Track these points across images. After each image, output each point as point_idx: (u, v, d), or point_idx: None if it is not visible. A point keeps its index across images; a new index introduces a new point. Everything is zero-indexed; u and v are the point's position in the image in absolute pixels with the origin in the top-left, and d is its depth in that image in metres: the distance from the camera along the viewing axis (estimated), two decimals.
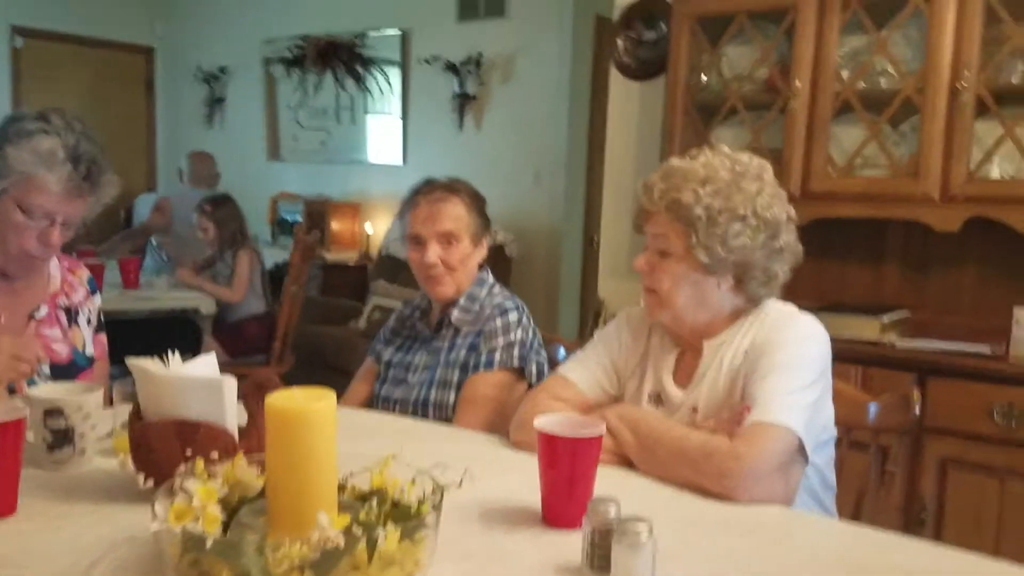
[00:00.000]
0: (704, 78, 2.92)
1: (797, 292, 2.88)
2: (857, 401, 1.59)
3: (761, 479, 1.23)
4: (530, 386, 1.76)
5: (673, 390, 1.47)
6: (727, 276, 1.39)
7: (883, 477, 2.29)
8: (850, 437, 1.59)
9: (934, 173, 2.39)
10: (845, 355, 2.40)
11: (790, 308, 1.46)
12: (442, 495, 0.91)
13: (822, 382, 1.37)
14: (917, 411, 1.53)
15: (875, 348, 2.42)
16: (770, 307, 1.45)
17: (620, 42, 3.30)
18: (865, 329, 2.47)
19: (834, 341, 2.42)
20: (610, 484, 1.23)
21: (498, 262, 4.80)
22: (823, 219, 2.63)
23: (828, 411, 1.42)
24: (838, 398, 1.53)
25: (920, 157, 2.41)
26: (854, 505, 1.59)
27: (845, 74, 2.58)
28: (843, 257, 2.89)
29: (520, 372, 1.80)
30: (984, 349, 2.30)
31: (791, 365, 1.33)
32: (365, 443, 1.09)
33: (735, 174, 1.38)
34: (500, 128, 5.23)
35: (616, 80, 3.38)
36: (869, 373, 2.40)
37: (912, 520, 2.35)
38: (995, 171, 2.38)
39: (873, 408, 1.56)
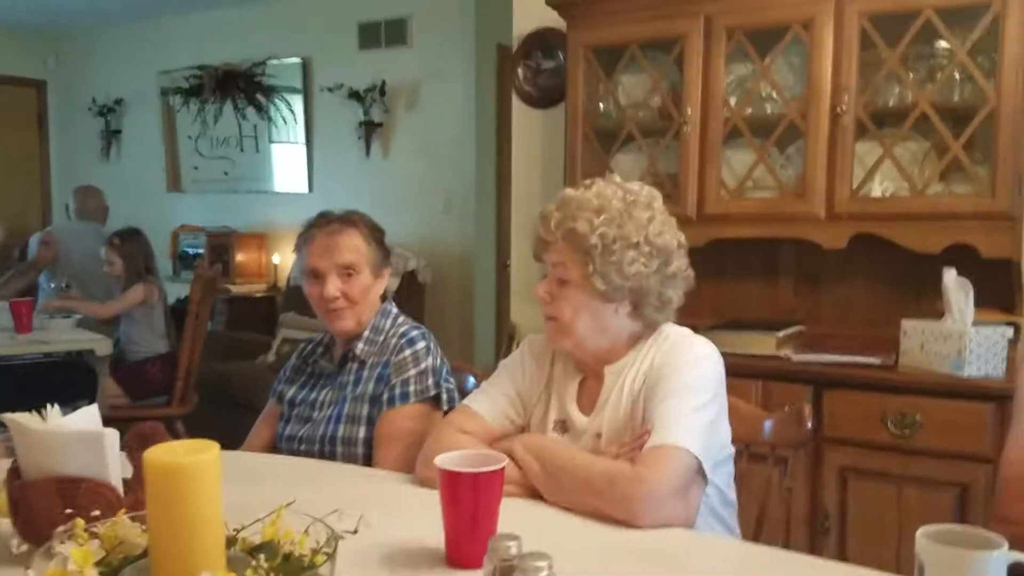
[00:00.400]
0: (602, 105, 2.98)
1: (699, 311, 2.99)
2: (754, 418, 1.64)
3: (663, 502, 1.24)
4: (446, 413, 1.75)
5: (577, 416, 1.48)
6: (624, 303, 1.42)
7: (784, 491, 2.39)
8: (749, 452, 1.63)
9: (819, 193, 2.50)
10: (745, 370, 2.49)
11: (686, 331, 1.49)
12: (336, 544, 0.89)
13: (718, 402, 1.40)
14: (810, 424, 1.58)
15: (773, 362, 2.49)
16: (668, 331, 1.48)
17: (520, 71, 3.34)
18: (762, 345, 2.55)
19: (734, 357, 2.51)
20: (517, 517, 1.22)
21: (411, 288, 4.78)
22: (720, 240, 2.72)
23: (725, 430, 1.46)
24: (736, 415, 1.57)
25: (806, 178, 2.52)
26: (756, 519, 1.63)
27: (733, 100, 2.68)
28: (740, 276, 2.98)
29: (436, 400, 1.78)
30: (875, 360, 2.39)
31: (688, 387, 1.36)
32: (262, 491, 1.07)
33: (627, 203, 1.41)
34: (408, 155, 5.22)
35: (518, 108, 3.42)
36: (769, 387, 2.47)
37: (817, 530, 2.43)
38: (876, 189, 2.50)
39: (768, 424, 1.61)
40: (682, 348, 1.43)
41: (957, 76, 2.35)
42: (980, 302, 2.27)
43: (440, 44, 5.01)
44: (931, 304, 2.34)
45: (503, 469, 1.12)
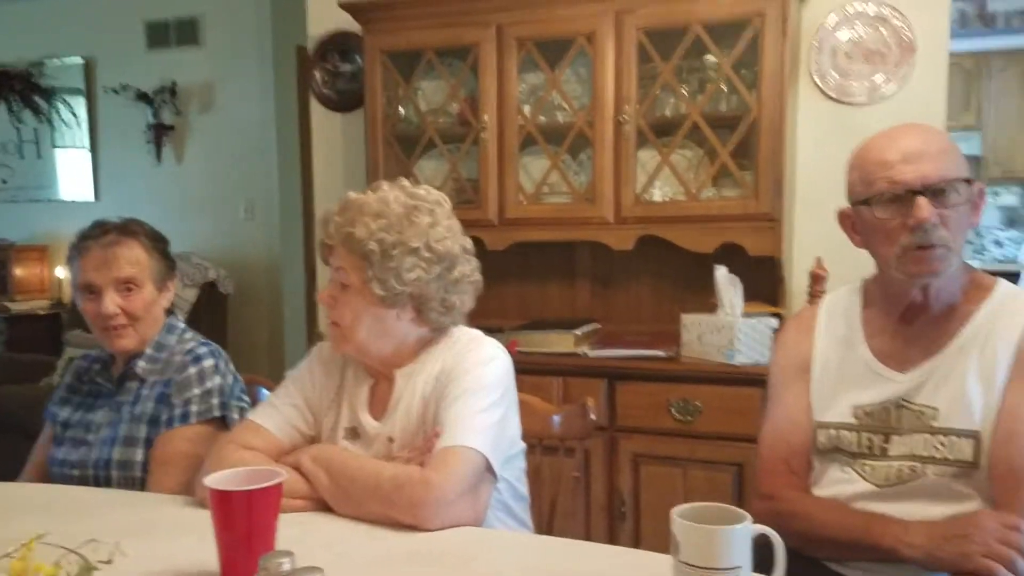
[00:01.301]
0: (402, 111, 2.99)
1: (505, 313, 3.08)
2: (544, 413, 1.70)
3: (451, 504, 1.26)
4: None
5: (369, 422, 1.47)
6: (406, 308, 1.42)
7: (581, 479, 2.50)
8: (542, 446, 1.70)
9: (608, 198, 2.64)
10: (547, 368, 2.59)
11: (476, 334, 1.52)
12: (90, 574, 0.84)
13: (507, 400, 1.44)
14: (593, 416, 1.67)
15: (572, 359, 2.60)
16: (458, 334, 1.50)
17: (318, 74, 3.28)
18: (562, 343, 2.66)
19: (537, 355, 2.62)
20: (301, 532, 1.20)
21: (212, 300, 4.55)
22: (522, 243, 2.82)
23: (515, 426, 1.50)
24: (528, 411, 1.63)
25: (595, 184, 2.65)
26: (549, 510, 1.70)
27: (527, 109, 2.77)
28: (542, 278, 3.09)
29: (222, 421, 1.70)
30: (661, 352, 2.55)
31: (476, 388, 1.39)
32: (17, 523, 0.98)
33: (408, 208, 1.41)
34: (204, 159, 4.97)
35: (318, 112, 3.36)
36: (568, 382, 2.58)
37: (614, 515, 2.56)
38: (657, 194, 2.67)
39: (556, 419, 1.68)
40: (471, 350, 1.45)
41: (724, 88, 2.56)
42: (748, 296, 2.49)
43: (235, 44, 4.81)
44: (708, 299, 2.53)
45: (279, 485, 1.10)
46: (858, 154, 1.36)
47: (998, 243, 5.51)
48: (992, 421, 1.25)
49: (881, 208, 1.29)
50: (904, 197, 1.26)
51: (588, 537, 2.56)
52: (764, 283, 2.63)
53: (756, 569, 0.98)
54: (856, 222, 1.36)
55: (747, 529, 0.94)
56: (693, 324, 2.54)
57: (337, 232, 1.40)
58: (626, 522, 2.55)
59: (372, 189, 1.46)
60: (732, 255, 2.53)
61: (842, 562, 1.30)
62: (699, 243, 2.58)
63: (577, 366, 2.58)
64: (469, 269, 1.48)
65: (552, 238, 2.79)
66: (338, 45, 3.24)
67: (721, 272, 2.46)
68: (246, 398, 1.78)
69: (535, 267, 3.08)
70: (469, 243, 1.50)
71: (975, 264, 4.34)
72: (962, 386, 1.27)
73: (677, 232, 2.61)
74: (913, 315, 1.36)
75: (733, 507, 0.98)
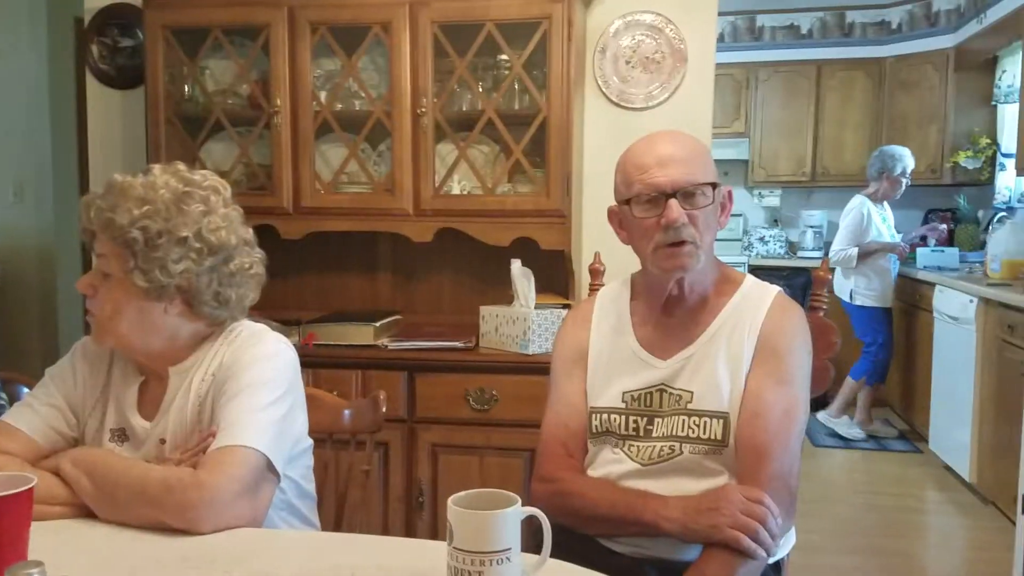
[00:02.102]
0: (187, 90, 2.83)
1: (305, 304, 3.00)
2: (335, 407, 1.68)
3: (227, 506, 1.21)
4: None
5: (138, 422, 1.38)
6: (175, 302, 1.34)
7: (379, 473, 2.49)
8: (333, 440, 1.67)
9: (407, 190, 2.64)
10: (347, 360, 2.56)
11: (258, 328, 1.46)
12: None
13: (291, 396, 1.39)
14: (384, 408, 1.66)
15: (372, 351, 2.58)
16: (239, 328, 1.44)
17: (95, 48, 3.03)
18: (362, 335, 2.63)
19: (337, 348, 2.57)
20: (58, 540, 1.12)
21: None
22: (321, 233, 2.75)
23: (302, 422, 1.46)
24: (318, 406, 1.60)
25: (394, 175, 2.64)
26: (338, 505, 1.68)
27: (323, 95, 2.71)
28: (343, 268, 3.04)
29: None
30: (459, 344, 2.59)
31: (257, 384, 1.33)
32: None
33: (179, 194, 1.32)
34: None
35: (94, 88, 3.10)
36: (368, 375, 2.56)
37: (412, 505, 2.57)
38: (456, 188, 2.71)
39: (347, 412, 1.67)
40: (251, 345, 1.39)
41: (516, 87, 2.63)
42: (541, 288, 2.59)
43: (3, 12, 4.35)
44: (506, 291, 2.60)
45: (30, 491, 1.01)
46: (622, 158, 1.45)
47: (763, 240, 6.05)
48: (738, 403, 1.37)
49: (639, 208, 1.39)
50: (658, 199, 1.37)
51: (386, 529, 2.59)
52: (556, 276, 2.74)
53: (537, 549, 1.03)
54: (621, 220, 1.46)
55: (516, 512, 0.98)
56: (491, 316, 2.60)
57: (98, 217, 1.30)
58: (424, 512, 2.57)
59: (144, 172, 1.37)
60: (527, 249, 2.61)
61: (612, 538, 1.39)
62: (496, 237, 2.64)
63: (377, 358, 2.57)
64: (249, 261, 1.41)
65: (351, 228, 2.75)
66: (117, 18, 3.01)
67: (516, 265, 2.53)
68: (3, 394, 1.63)
69: (335, 258, 3.03)
70: (249, 234, 1.44)
71: (744, 259, 4.77)
72: (713, 372, 1.39)
73: (475, 226, 2.65)
74: (672, 307, 1.47)
75: (506, 492, 1.01)
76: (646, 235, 1.39)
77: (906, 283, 4.78)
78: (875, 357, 4.65)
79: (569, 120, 2.53)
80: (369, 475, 1.69)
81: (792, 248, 6.01)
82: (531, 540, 1.06)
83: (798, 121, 5.78)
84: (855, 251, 4.54)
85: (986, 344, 3.66)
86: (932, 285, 4.37)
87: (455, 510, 0.97)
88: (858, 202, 4.61)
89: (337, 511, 1.67)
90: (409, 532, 2.56)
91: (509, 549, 0.96)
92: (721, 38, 5.79)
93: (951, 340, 4.06)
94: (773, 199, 6.07)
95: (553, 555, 1.12)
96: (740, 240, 6.09)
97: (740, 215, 6.14)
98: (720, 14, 5.51)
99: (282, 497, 1.40)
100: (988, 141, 5.06)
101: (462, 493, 1.03)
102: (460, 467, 2.55)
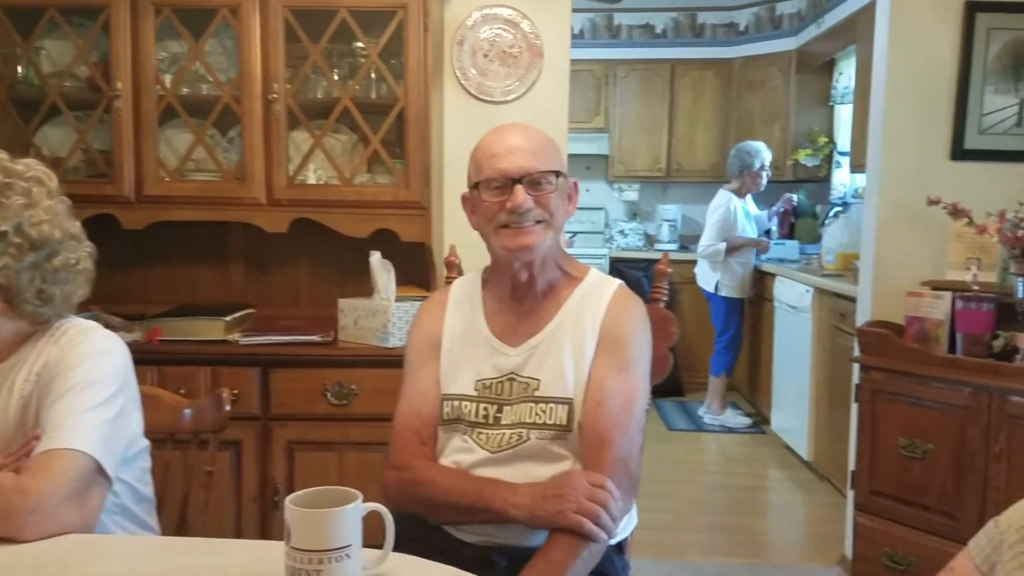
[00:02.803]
0: (21, 71, 2.63)
1: (150, 297, 2.85)
2: (175, 406, 1.61)
3: (53, 511, 1.15)
4: None
5: None
6: None
7: (236, 471, 2.39)
8: (174, 440, 1.60)
9: (259, 178, 2.55)
10: (195, 357, 2.45)
11: (88, 325, 1.39)
12: None
13: (123, 396, 1.33)
14: (228, 407, 1.61)
15: (222, 347, 2.49)
16: (66, 326, 1.36)
17: None
18: (211, 330, 2.53)
19: (184, 344, 2.46)
20: None
21: None
22: (167, 223, 2.62)
23: (136, 424, 1.40)
24: (155, 405, 1.53)
25: (245, 163, 2.55)
26: (181, 507, 1.61)
27: (168, 78, 2.58)
28: (192, 260, 2.92)
29: None
30: (317, 338, 2.54)
31: (85, 384, 1.27)
32: None
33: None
34: None
35: None
36: (218, 372, 2.46)
37: (268, 505, 2.50)
38: (312, 177, 2.64)
39: (188, 412, 1.60)
40: (79, 343, 1.32)
41: (373, 76, 2.59)
42: (402, 280, 2.57)
43: None
44: (365, 284, 2.56)
45: None
46: (476, 146, 1.49)
47: (623, 233, 6.24)
48: (582, 391, 1.41)
49: (488, 192, 1.43)
50: (505, 184, 1.41)
51: (239, 531, 2.51)
52: (417, 268, 2.72)
53: (403, 542, 1.02)
54: (473, 205, 1.49)
55: (356, 509, 0.97)
56: (350, 308, 2.55)
57: None
58: (280, 511, 2.50)
59: None
60: (387, 240, 2.58)
61: (461, 527, 1.40)
62: (354, 228, 2.60)
63: (228, 354, 2.48)
64: (75, 257, 1.34)
65: (198, 218, 2.63)
66: None
67: (375, 257, 2.50)
68: None
69: (183, 249, 2.90)
70: (76, 227, 1.36)
71: (605, 251, 4.90)
72: (559, 360, 1.43)
73: (332, 216, 2.60)
74: (522, 295, 1.50)
75: (347, 489, 1.00)
76: (493, 218, 1.43)
77: (752, 274, 5.07)
78: (731, 349, 4.90)
79: (427, 111, 2.52)
80: (213, 476, 1.63)
81: (650, 240, 6.24)
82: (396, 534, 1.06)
83: (654, 118, 5.99)
84: (723, 246, 4.76)
85: (821, 331, 3.93)
86: (774, 276, 4.65)
87: (291, 509, 0.95)
88: (725, 199, 4.81)
89: (180, 514, 1.60)
90: (264, 533, 2.49)
91: (349, 546, 0.95)
92: (580, 34, 5.93)
93: (790, 328, 4.34)
94: (632, 193, 6.27)
95: (402, 547, 1.12)
96: (602, 233, 6.27)
97: (601, 208, 6.31)
98: (578, 11, 5.63)
99: (116, 501, 1.34)
100: (826, 140, 5.42)
101: (301, 492, 1.02)
102: (318, 464, 2.50)
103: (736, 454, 4.55)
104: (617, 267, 5.65)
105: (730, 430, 4.85)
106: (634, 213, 6.39)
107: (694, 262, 5.15)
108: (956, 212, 2.37)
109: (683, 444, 4.67)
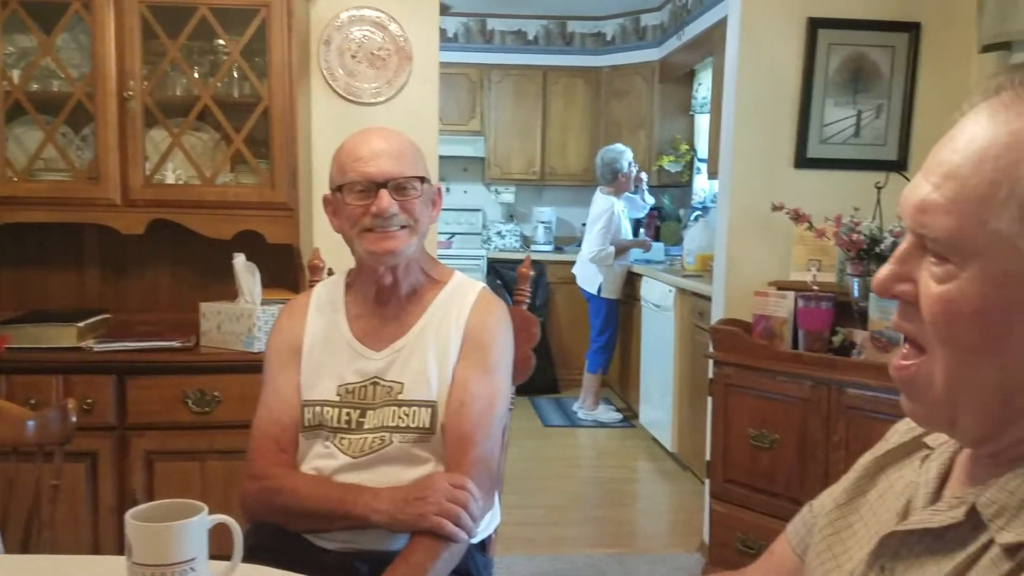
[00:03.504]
0: None
1: None
2: (17, 418, 1.53)
3: None
4: None
5: None
6: None
7: (92, 483, 2.29)
8: (17, 453, 1.53)
9: (114, 178, 2.45)
10: (46, 365, 2.34)
11: None
12: None
13: None
14: (75, 419, 1.54)
15: (75, 354, 2.38)
16: None
17: None
18: (64, 337, 2.41)
19: (34, 351, 2.33)
20: None
21: None
22: (16, 224, 2.48)
23: None
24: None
25: (99, 162, 2.44)
26: (26, 522, 1.54)
27: (16, 74, 2.44)
28: (43, 263, 2.76)
29: None
30: (176, 343, 2.45)
31: None
32: None
33: None
34: None
35: None
36: (71, 381, 2.35)
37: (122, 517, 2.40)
38: (171, 177, 2.55)
39: (31, 424, 1.53)
40: None
41: (236, 74, 2.53)
42: (270, 283, 2.52)
43: None
44: (230, 287, 2.50)
45: None
46: (339, 148, 1.48)
47: (500, 235, 6.33)
48: (446, 393, 1.44)
49: (351, 196, 1.43)
50: (369, 188, 1.42)
51: (96, 546, 2.39)
52: (285, 271, 2.68)
53: (261, 553, 1.01)
54: (335, 207, 1.48)
55: (201, 522, 0.96)
56: (212, 313, 2.49)
57: None
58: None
59: None
60: (254, 242, 2.52)
61: (321, 534, 1.40)
62: (217, 230, 2.53)
63: (81, 362, 2.37)
64: None
65: (49, 219, 2.50)
66: None
67: (239, 260, 2.44)
68: None
69: (34, 252, 2.75)
70: None
71: (483, 253, 4.95)
72: (423, 363, 1.45)
73: (193, 218, 2.52)
74: (386, 298, 1.51)
75: (192, 502, 0.99)
76: (357, 222, 1.43)
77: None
78: (607, 348, 5.05)
79: (293, 110, 2.49)
80: (59, 490, 1.56)
81: (527, 242, 6.34)
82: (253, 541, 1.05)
83: (528, 122, 6.10)
84: (612, 249, 4.89)
85: (682, 329, 4.12)
86: (641, 276, 4.83)
87: (131, 524, 0.93)
88: (609, 203, 4.93)
89: (25, 531, 1.53)
90: (122, 546, 2.39)
91: (193, 559, 0.94)
92: (454, 38, 5.96)
93: (655, 326, 4.52)
94: (508, 196, 6.36)
95: (260, 557, 1.11)
96: (480, 234, 6.33)
97: (479, 210, 6.37)
98: (451, 14, 5.66)
99: None
100: (687, 147, 5.68)
101: (143, 506, 1.00)
102: (180, 474, 2.42)
103: (607, 448, 4.70)
104: (495, 268, 5.73)
105: (602, 425, 5.00)
106: (511, 215, 6.48)
107: (571, 263, 5.27)
108: (798, 217, 2.54)
109: (558, 440, 4.78)
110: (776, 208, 2.59)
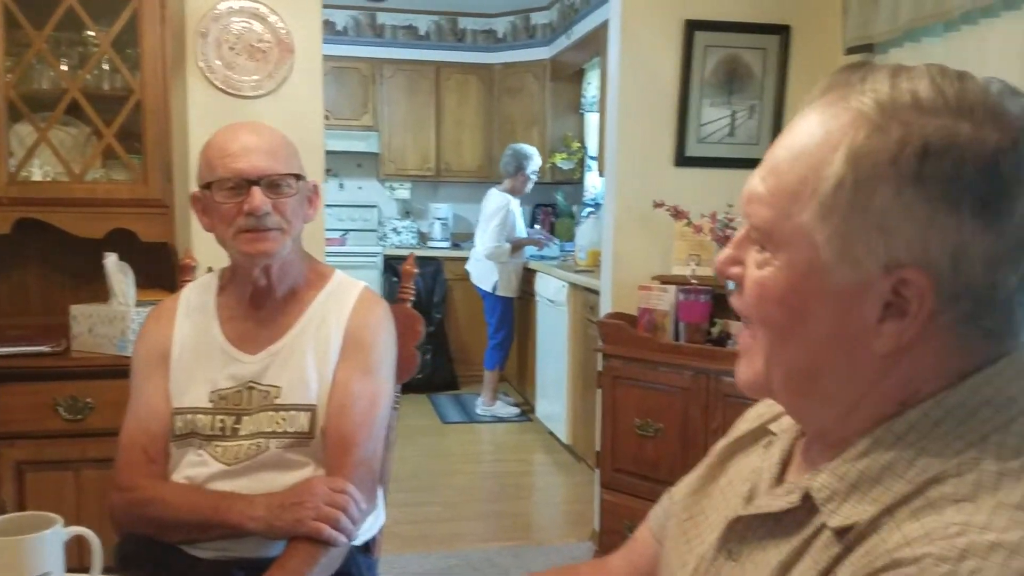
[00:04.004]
0: None
1: None
2: None
3: None
4: None
5: None
6: None
7: None
8: None
9: None
10: None
11: None
12: None
13: None
14: None
15: None
16: None
17: None
18: None
19: None
20: None
21: None
22: None
23: None
24: None
25: None
26: None
27: None
28: None
29: None
30: (46, 348, 2.33)
31: None
32: None
33: None
34: None
35: None
36: None
37: None
38: (37, 173, 2.42)
39: None
40: None
41: (106, 66, 2.42)
42: (146, 283, 2.43)
43: None
44: (102, 288, 2.39)
45: None
46: (207, 143, 1.43)
47: (397, 231, 6.28)
48: (326, 396, 1.41)
49: (221, 194, 1.37)
50: (241, 185, 1.36)
51: None
52: (162, 270, 2.57)
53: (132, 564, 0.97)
54: (204, 205, 1.43)
55: (56, 534, 0.92)
56: (83, 315, 2.38)
57: None
58: None
59: None
60: (127, 241, 2.42)
61: (196, 543, 1.35)
62: (87, 228, 2.42)
63: None
64: None
65: None
66: None
67: (111, 259, 2.34)
68: None
69: None
70: None
71: (379, 249, 4.89)
72: (301, 365, 1.42)
73: (62, 216, 2.40)
74: (261, 299, 1.47)
75: (48, 514, 0.95)
76: (227, 221, 1.38)
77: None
78: (504, 344, 5.08)
79: (167, 104, 2.40)
80: None
81: (423, 238, 6.31)
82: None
83: (422, 118, 6.06)
84: (508, 246, 4.91)
85: (575, 323, 4.19)
86: (536, 272, 4.89)
87: None
88: (504, 200, 4.94)
89: None
90: None
91: (48, 573, 0.90)
92: (344, 32, 5.87)
93: (550, 321, 4.59)
94: (404, 192, 6.31)
95: (130, 568, 1.07)
96: (375, 231, 6.25)
97: (375, 206, 6.30)
98: (339, 7, 5.58)
99: None
100: (579, 145, 5.77)
101: None
102: (52, 485, 2.31)
103: (505, 443, 4.74)
104: (391, 265, 5.67)
105: (501, 420, 5.03)
106: (407, 211, 6.43)
107: (467, 259, 5.28)
108: (677, 214, 2.63)
109: (456, 436, 4.79)
110: (657, 205, 2.67)
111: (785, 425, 0.82)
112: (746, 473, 0.82)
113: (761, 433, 0.85)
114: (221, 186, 1.37)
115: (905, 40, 2.36)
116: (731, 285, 0.75)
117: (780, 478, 0.77)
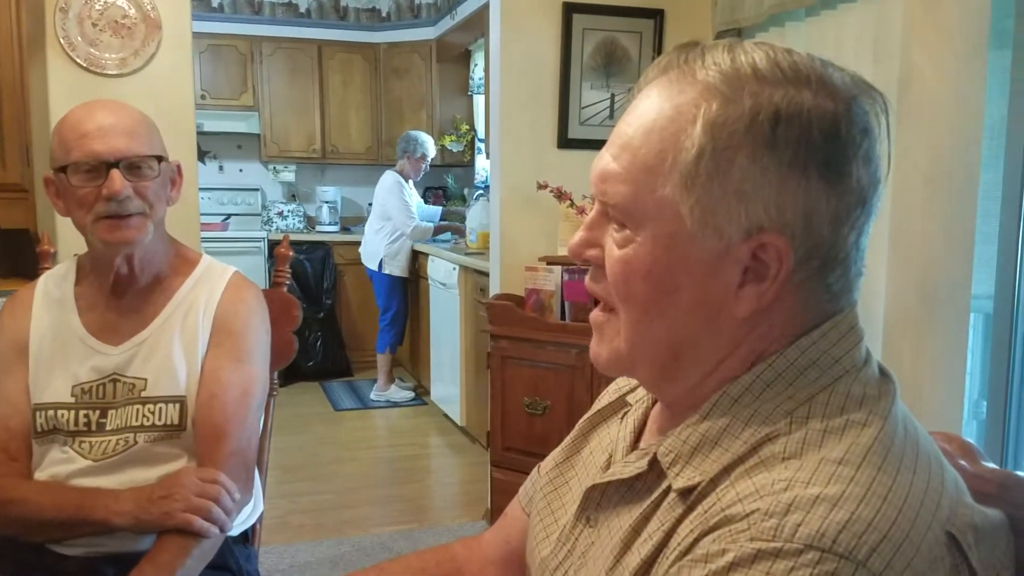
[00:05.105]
0: None
1: None
2: None
3: None
4: None
5: None
6: None
7: None
8: None
9: None
10: None
11: None
12: None
13: None
14: None
15: None
16: None
17: None
18: None
19: None
20: None
21: None
22: None
23: None
24: None
25: None
26: None
27: None
28: None
29: None
30: None
31: None
32: None
33: None
34: None
35: None
36: None
37: None
38: None
39: None
40: None
41: None
42: (6, 272, 2.29)
43: None
44: None
45: None
46: (59, 123, 1.34)
47: (282, 215, 6.11)
48: (195, 386, 1.36)
49: (77, 177, 1.30)
50: (99, 168, 1.29)
51: None
52: (24, 258, 2.43)
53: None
54: (59, 189, 1.35)
55: None
56: None
57: None
58: None
59: None
60: None
61: (63, 542, 1.30)
62: None
63: None
64: None
65: None
66: None
67: None
68: None
69: None
70: None
71: (263, 234, 4.75)
72: (168, 355, 1.37)
73: None
74: (123, 288, 1.40)
75: None
76: (84, 206, 1.31)
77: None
78: (394, 326, 5.04)
79: (25, 83, 2.28)
80: None
81: (311, 223, 6.17)
82: None
83: (305, 98, 5.90)
84: (431, 226, 4.89)
85: (466, 305, 4.21)
86: (427, 255, 4.87)
87: None
88: (397, 179, 4.88)
89: None
90: None
91: None
92: (220, 8, 5.64)
93: (442, 304, 4.58)
94: (288, 174, 6.14)
95: None
96: (260, 215, 6.07)
97: (258, 190, 6.11)
98: None
99: None
100: (468, 127, 5.76)
101: None
102: None
103: (399, 427, 4.72)
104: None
105: (395, 404, 5.00)
106: (293, 195, 6.27)
107: (358, 243, 5.19)
108: (560, 195, 2.67)
109: (349, 423, 4.73)
110: (541, 187, 2.70)
111: (640, 395, 0.85)
112: (605, 444, 0.85)
113: (620, 405, 0.88)
114: (77, 169, 1.30)
115: (770, 24, 2.45)
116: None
117: (634, 446, 0.80)
